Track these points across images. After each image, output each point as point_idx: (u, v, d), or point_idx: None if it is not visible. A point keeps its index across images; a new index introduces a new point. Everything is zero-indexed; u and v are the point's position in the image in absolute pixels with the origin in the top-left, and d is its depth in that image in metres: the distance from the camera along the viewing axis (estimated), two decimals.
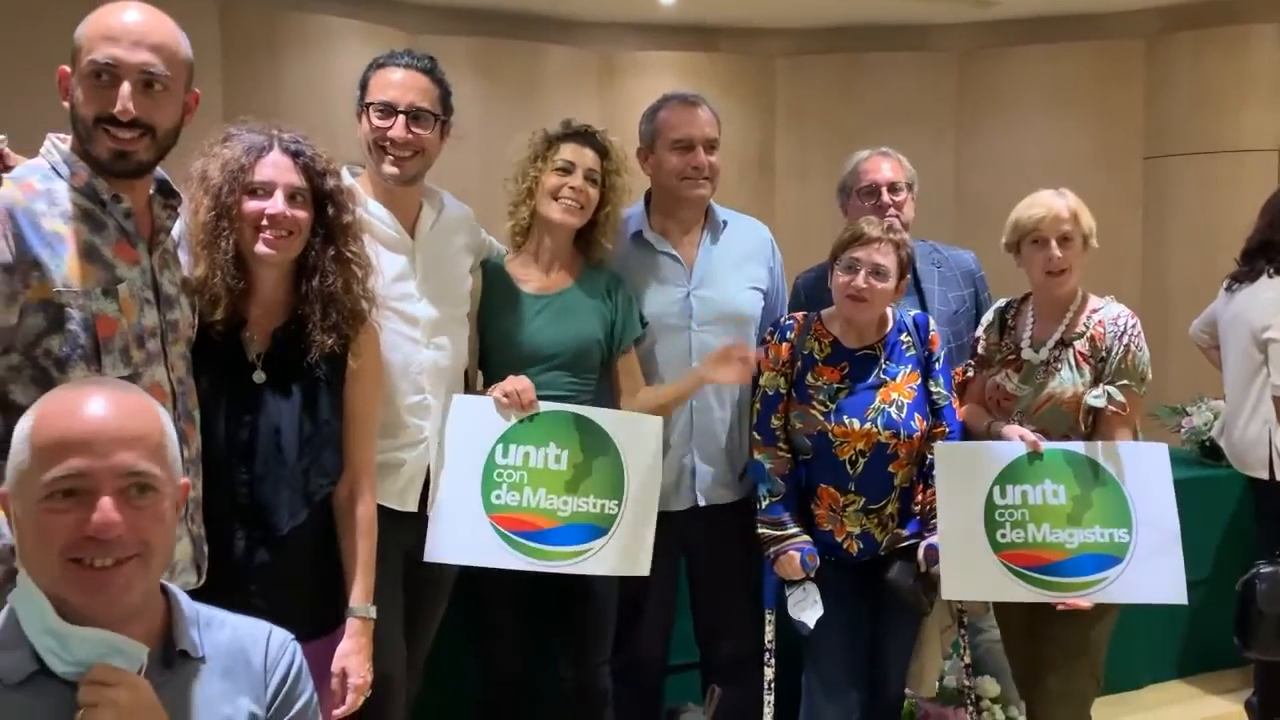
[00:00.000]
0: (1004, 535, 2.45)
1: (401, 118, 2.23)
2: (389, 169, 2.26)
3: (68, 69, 1.72)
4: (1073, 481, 2.45)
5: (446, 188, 2.51)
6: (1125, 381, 2.52)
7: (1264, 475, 3.43)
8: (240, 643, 1.41)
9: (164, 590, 1.38)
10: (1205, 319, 3.83)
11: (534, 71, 6.38)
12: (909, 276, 2.60)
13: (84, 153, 1.73)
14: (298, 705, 1.44)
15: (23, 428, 1.28)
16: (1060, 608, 2.43)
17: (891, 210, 2.90)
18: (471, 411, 2.36)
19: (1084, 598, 2.42)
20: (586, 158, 2.48)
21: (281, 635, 1.45)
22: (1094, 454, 2.48)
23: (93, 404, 1.28)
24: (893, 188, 2.93)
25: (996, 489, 2.46)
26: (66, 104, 1.73)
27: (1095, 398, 2.51)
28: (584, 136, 2.51)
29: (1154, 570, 2.41)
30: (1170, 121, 6.48)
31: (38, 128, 1.81)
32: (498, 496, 2.33)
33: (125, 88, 1.68)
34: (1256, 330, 3.41)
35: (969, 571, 2.46)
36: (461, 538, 2.30)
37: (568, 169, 2.46)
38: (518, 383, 2.39)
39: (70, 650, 1.25)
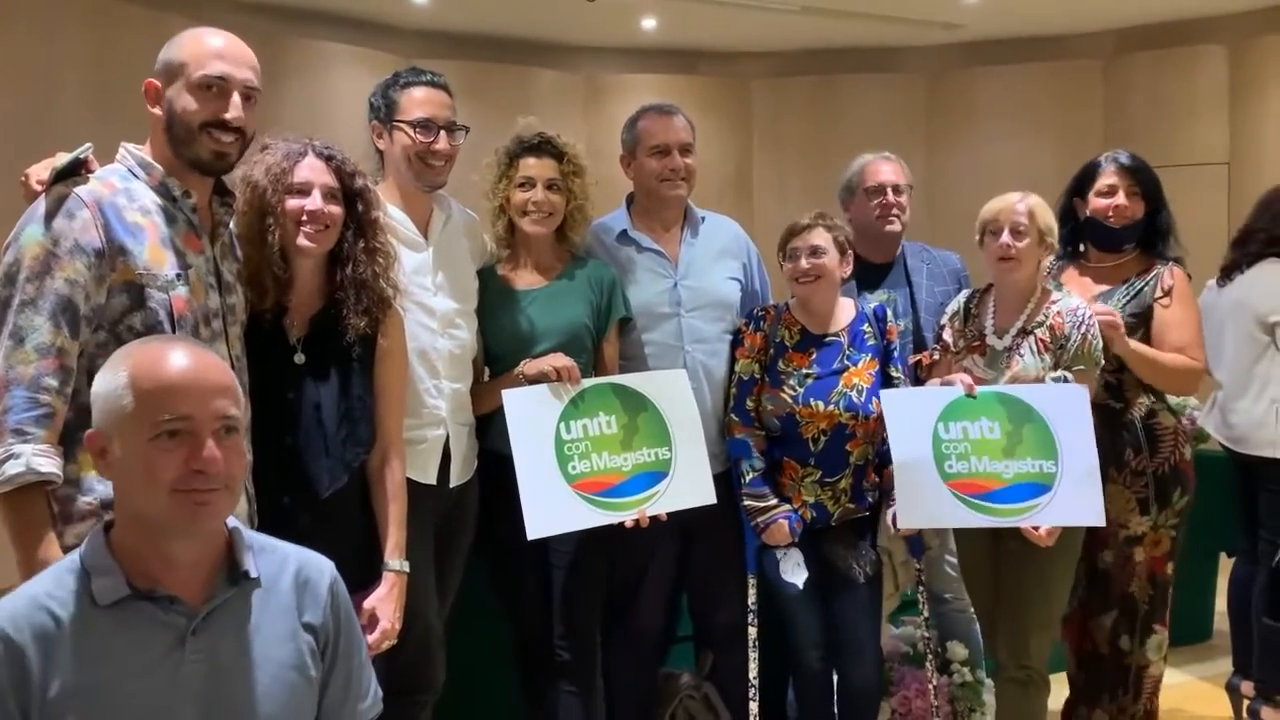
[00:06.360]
0: (951, 466, 2.64)
1: (443, 132, 2.51)
2: (435, 178, 2.54)
3: (157, 82, 1.97)
4: (1005, 419, 2.64)
5: None
6: (1081, 366, 2.73)
7: (1272, 454, 3.50)
8: (299, 568, 1.57)
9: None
10: None
11: (523, 94, 6.60)
12: (850, 257, 2.81)
13: (172, 154, 1.98)
14: (353, 630, 1.63)
15: (119, 377, 1.44)
16: (1026, 530, 2.61)
17: (895, 209, 3.14)
18: (525, 401, 2.56)
19: (1021, 522, 2.61)
20: (546, 168, 2.67)
21: (332, 568, 1.63)
22: (1022, 395, 2.66)
23: (187, 357, 1.47)
24: (896, 189, 3.14)
25: (940, 425, 2.66)
26: (157, 110, 1.98)
27: (1055, 379, 2.73)
28: (539, 148, 2.69)
29: (1077, 497, 2.58)
30: (1127, 137, 6.71)
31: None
32: (573, 468, 2.55)
33: (236, 98, 1.96)
34: (1262, 314, 3.51)
35: (924, 501, 2.65)
36: (554, 511, 2.51)
37: (528, 184, 2.66)
38: (564, 360, 2.58)
39: None
